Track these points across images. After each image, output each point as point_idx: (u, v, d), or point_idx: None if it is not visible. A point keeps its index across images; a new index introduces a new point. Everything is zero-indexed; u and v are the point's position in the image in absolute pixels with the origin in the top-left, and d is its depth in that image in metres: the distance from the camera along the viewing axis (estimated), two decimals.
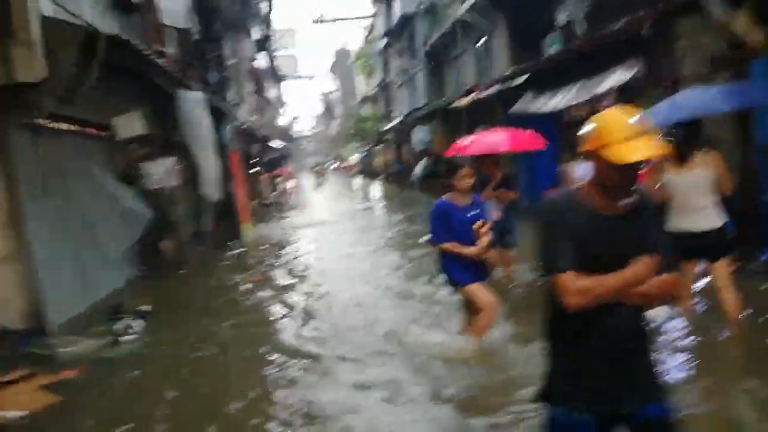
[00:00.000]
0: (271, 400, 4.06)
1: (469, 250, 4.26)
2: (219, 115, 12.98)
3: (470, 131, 16.55)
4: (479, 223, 4.28)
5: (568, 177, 10.88)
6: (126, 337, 5.58)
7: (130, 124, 7.52)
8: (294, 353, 4.93)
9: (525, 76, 10.03)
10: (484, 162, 6.67)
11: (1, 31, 5.18)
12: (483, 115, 14.20)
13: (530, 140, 7.94)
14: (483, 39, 16.15)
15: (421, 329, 5.10)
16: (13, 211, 5.60)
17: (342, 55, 59.44)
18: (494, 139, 7.74)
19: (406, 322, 5.35)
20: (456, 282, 4.44)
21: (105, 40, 5.88)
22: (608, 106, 8.52)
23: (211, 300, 7.33)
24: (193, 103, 9.61)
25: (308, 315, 6.14)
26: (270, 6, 18.43)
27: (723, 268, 4.19)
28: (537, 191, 11.94)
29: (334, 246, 11.00)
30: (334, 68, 61.33)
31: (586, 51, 8.55)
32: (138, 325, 5.84)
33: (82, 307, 6.54)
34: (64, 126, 7.10)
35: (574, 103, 8.63)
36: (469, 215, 4.30)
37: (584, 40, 8.80)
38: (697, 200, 4.12)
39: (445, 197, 4.38)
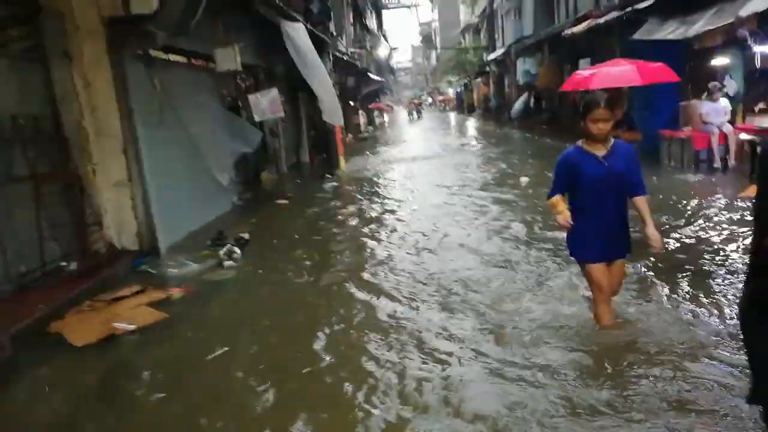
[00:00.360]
0: (363, 327, 4.08)
1: (558, 216, 3.40)
2: (320, 46, 12.96)
3: (577, 62, 15.35)
4: None
5: (693, 115, 9.87)
6: (228, 263, 5.89)
7: (229, 57, 7.64)
8: (384, 291, 4.91)
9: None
10: None
11: None
12: (596, 44, 13.07)
13: (661, 72, 7.11)
14: None
15: (525, 290, 4.53)
16: (129, 138, 5.96)
17: None
18: (621, 72, 6.99)
19: (505, 280, 4.80)
20: (572, 254, 3.66)
21: None
22: (747, 35, 7.47)
23: (305, 231, 7.56)
24: (299, 33, 9.63)
25: (399, 255, 6.10)
26: None
27: None
28: (654, 131, 11.01)
29: (426, 183, 10.88)
30: None
31: None
32: (238, 251, 6.13)
33: (189, 230, 6.98)
34: (174, 57, 7.37)
35: (707, 29, 7.60)
36: (603, 169, 3.30)
37: None
38: None
39: (579, 143, 3.43)
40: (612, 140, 3.39)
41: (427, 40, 64.41)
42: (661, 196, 7.41)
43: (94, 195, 5.90)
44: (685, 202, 7.12)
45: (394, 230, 7.16)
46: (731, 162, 8.79)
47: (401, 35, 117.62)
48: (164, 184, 6.46)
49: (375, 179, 12.04)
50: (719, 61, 9.48)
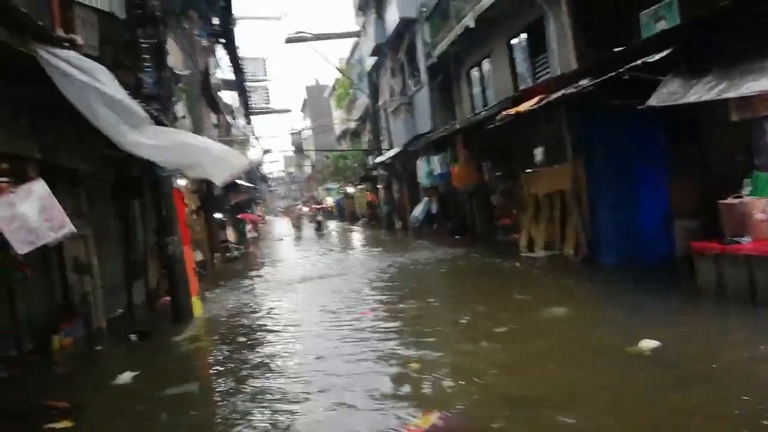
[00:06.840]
0: None
1: None
2: None
3: (509, 153, 12.47)
4: None
5: (749, 218, 6.75)
6: None
7: None
8: None
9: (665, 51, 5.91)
10: None
11: None
12: (535, 127, 10.24)
13: None
14: (521, 35, 12.25)
15: None
16: None
17: (315, 90, 55.68)
18: None
19: None
20: None
21: None
22: None
23: None
24: (97, 73, 5.08)
25: None
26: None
27: None
28: (650, 242, 7.93)
29: (331, 333, 6.55)
30: (308, 105, 57.45)
31: None
32: None
33: None
34: None
35: None
36: None
37: None
38: None
39: None
40: None
41: (299, 148, 61.95)
42: None
43: None
44: None
45: None
46: None
47: (275, 142, 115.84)
48: None
49: (248, 333, 7.36)
50: None
